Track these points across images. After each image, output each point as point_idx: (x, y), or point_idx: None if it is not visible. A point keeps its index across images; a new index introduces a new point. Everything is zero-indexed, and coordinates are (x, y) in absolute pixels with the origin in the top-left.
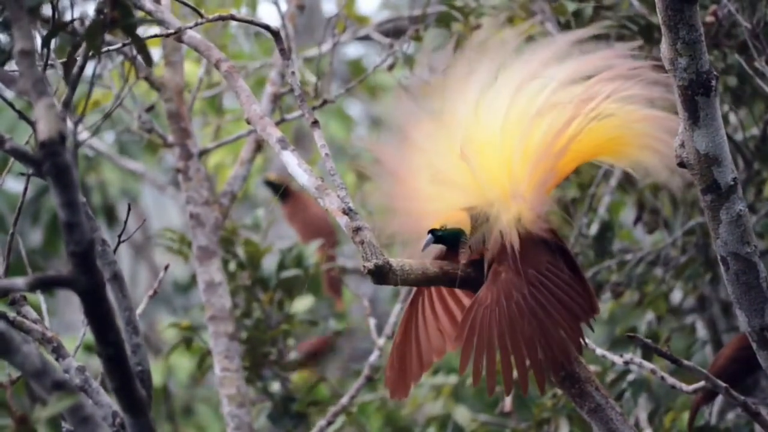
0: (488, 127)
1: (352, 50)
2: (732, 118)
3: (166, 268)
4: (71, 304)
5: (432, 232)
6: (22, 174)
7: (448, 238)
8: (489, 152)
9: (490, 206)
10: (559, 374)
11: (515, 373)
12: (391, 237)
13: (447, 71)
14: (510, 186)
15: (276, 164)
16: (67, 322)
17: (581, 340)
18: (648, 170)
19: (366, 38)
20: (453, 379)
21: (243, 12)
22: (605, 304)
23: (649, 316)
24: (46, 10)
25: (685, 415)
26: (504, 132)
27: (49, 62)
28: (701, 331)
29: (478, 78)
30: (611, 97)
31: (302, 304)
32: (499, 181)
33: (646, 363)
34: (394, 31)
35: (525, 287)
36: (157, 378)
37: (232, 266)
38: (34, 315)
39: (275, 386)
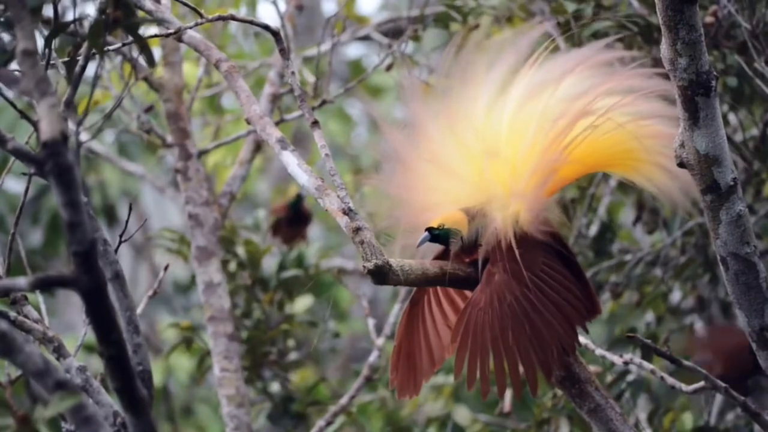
0: (496, 127)
1: (353, 50)
2: (731, 118)
3: (166, 268)
4: (71, 304)
5: (429, 230)
6: (24, 174)
7: (444, 238)
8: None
9: (488, 203)
10: (552, 377)
11: (509, 376)
12: (388, 227)
13: (452, 71)
14: (510, 185)
15: (276, 164)
16: (66, 322)
17: (575, 342)
18: (656, 188)
19: (366, 38)
20: (453, 379)
21: (242, 12)
22: (605, 305)
23: (649, 316)
24: (48, 11)
25: (685, 416)
26: (510, 133)
27: (51, 62)
28: (701, 332)
29: (491, 80)
30: (619, 106)
31: (302, 303)
32: (500, 179)
33: (645, 363)
34: (393, 31)
35: (518, 289)
36: (157, 378)
37: (233, 266)
38: (35, 315)
39: (275, 386)
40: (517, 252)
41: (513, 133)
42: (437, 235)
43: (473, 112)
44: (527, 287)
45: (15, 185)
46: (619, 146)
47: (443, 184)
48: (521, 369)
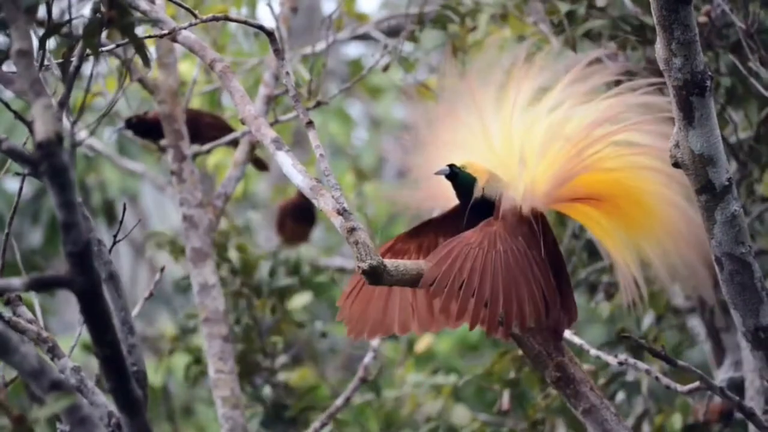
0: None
1: (353, 50)
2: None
3: (162, 270)
4: (71, 303)
5: (451, 166)
6: (18, 174)
7: (461, 179)
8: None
9: (508, 174)
10: (510, 329)
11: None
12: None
13: (470, 77)
14: (533, 172)
15: (276, 164)
16: (67, 321)
17: (540, 315)
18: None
19: (366, 37)
20: (453, 379)
21: (243, 12)
22: (602, 306)
23: (649, 317)
24: (43, 11)
25: (674, 417)
26: (543, 139)
27: (46, 62)
28: (698, 328)
29: (517, 95)
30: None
31: (299, 301)
32: (527, 162)
33: (640, 363)
34: (393, 29)
35: (510, 243)
36: (157, 378)
37: (224, 271)
38: (29, 315)
39: (266, 391)
40: (518, 223)
41: (547, 139)
42: (456, 173)
43: (512, 110)
44: (518, 247)
45: (15, 185)
46: (646, 199)
47: (477, 144)
48: (499, 305)
